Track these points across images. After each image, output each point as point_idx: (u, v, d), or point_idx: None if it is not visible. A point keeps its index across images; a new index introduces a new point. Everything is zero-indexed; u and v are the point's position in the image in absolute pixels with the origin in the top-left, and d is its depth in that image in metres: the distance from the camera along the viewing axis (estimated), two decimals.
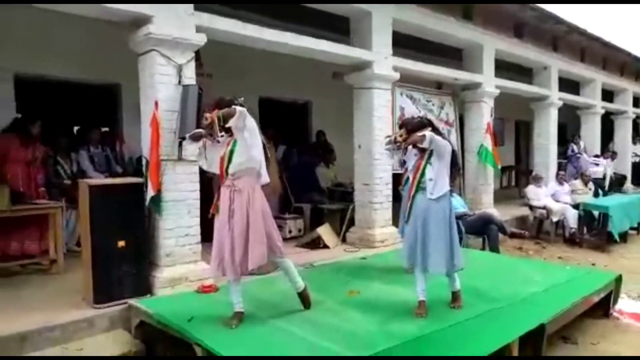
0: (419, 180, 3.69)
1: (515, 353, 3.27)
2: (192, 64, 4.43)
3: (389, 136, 4.10)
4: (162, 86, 4.24)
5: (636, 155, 13.84)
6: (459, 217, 5.86)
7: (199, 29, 4.42)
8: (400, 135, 3.74)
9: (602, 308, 4.58)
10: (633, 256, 7.23)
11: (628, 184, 13.05)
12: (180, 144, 4.31)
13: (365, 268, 5.08)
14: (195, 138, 3.45)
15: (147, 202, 4.18)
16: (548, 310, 3.72)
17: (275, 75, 7.70)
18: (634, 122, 13.99)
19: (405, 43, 7.07)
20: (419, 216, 3.68)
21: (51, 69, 5.99)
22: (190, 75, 4.40)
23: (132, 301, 3.89)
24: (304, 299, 3.69)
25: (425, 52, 8.24)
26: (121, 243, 3.98)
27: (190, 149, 4.20)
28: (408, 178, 3.89)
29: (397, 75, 6.43)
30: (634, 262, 6.85)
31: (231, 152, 3.31)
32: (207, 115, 3.26)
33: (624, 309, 4.79)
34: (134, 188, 4.17)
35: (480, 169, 8.13)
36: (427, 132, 3.60)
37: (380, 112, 6.28)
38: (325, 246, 6.12)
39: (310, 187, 7.45)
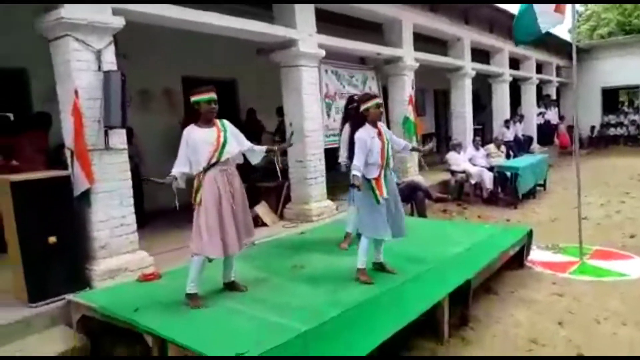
0: (387, 159, 3.87)
1: (447, 308, 3.62)
2: (112, 48, 4.24)
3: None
4: (80, 73, 4.03)
5: (541, 115, 15.07)
6: None
7: (115, 11, 4.21)
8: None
9: (517, 260, 5.12)
10: (541, 210, 8.05)
11: (535, 145, 14.27)
12: (106, 133, 4.16)
13: (305, 242, 5.24)
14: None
15: (75, 195, 4.03)
16: (472, 267, 4.11)
17: (198, 53, 7.50)
18: (538, 87, 15.19)
19: (328, 18, 7.15)
20: (391, 191, 3.90)
21: None
22: (110, 60, 4.22)
23: (71, 296, 3.79)
24: (236, 287, 3.77)
25: (348, 27, 8.38)
26: (52, 239, 3.83)
27: (118, 139, 4.05)
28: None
29: (322, 53, 6.52)
30: (542, 216, 7.64)
31: (225, 142, 3.52)
32: None
33: (535, 258, 5.38)
34: (59, 181, 3.98)
35: (405, 139, 8.49)
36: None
37: (309, 90, 6.37)
38: (264, 224, 6.20)
39: (244, 166, 7.42)
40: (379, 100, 3.98)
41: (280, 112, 8.05)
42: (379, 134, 3.87)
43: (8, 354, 3.30)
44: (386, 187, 3.84)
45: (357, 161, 3.74)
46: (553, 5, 5.20)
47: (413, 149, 4.63)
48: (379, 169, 3.83)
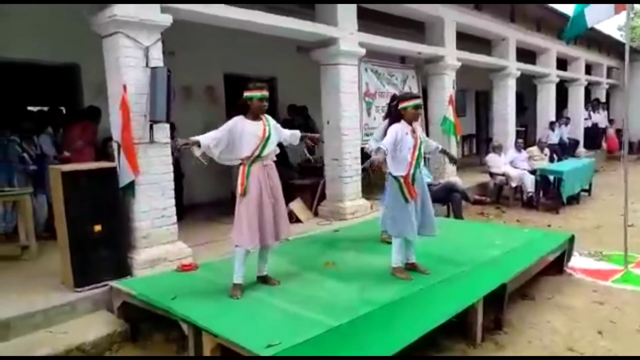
0: (417, 158, 3.89)
1: (480, 311, 3.56)
2: (159, 45, 4.40)
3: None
4: (129, 69, 4.21)
5: (589, 119, 14.47)
6: None
7: (163, 10, 4.36)
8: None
9: (556, 266, 4.95)
10: (584, 216, 7.74)
11: (581, 149, 13.74)
12: (151, 127, 4.32)
13: (339, 240, 5.27)
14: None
15: (120, 186, 4.21)
16: (509, 270, 4.01)
17: (239, 51, 7.63)
18: (586, 89, 14.60)
19: (370, 16, 7.12)
20: (419, 190, 3.92)
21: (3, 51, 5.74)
22: (157, 57, 4.37)
23: (113, 283, 3.96)
24: (268, 280, 3.86)
25: (389, 24, 8.34)
26: (97, 227, 4.02)
27: (162, 133, 4.20)
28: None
29: (363, 51, 6.52)
30: (585, 222, 7.35)
31: (268, 138, 3.67)
32: None
33: (576, 265, 5.19)
34: (106, 172, 4.17)
35: (443, 140, 8.39)
36: None
37: (348, 89, 6.38)
38: (298, 220, 6.27)
39: (281, 163, 7.52)
40: (419, 101, 4.00)
41: (292, 109, 8.17)
42: (413, 131, 3.90)
43: (55, 334, 3.49)
44: (414, 186, 3.85)
45: (386, 141, 3.77)
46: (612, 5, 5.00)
47: (443, 151, 4.56)
48: (408, 167, 3.84)
